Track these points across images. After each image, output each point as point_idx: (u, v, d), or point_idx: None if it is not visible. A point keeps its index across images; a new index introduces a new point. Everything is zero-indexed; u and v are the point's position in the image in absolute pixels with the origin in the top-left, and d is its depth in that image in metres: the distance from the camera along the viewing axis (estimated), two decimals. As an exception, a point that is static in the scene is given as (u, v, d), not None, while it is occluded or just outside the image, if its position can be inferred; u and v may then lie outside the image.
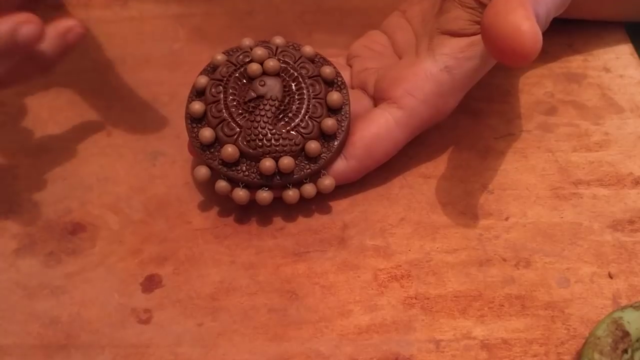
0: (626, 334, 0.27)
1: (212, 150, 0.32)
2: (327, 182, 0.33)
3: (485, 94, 0.38)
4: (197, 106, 0.33)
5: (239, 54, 0.33)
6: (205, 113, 0.33)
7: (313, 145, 0.32)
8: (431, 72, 0.32)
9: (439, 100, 0.33)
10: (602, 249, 0.32)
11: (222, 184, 0.32)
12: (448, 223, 0.33)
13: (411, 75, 0.33)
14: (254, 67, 0.32)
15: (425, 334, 0.29)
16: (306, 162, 0.32)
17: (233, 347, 0.29)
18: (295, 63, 0.33)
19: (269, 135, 0.32)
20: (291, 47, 0.34)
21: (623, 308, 0.28)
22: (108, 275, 0.31)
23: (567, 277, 0.31)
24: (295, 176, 0.32)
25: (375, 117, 0.33)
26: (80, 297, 0.31)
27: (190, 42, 0.43)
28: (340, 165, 0.33)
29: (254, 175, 0.32)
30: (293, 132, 0.32)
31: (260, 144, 0.32)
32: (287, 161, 0.32)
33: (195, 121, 0.33)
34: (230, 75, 0.33)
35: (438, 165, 0.36)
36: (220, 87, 0.33)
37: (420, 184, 0.35)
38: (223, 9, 0.45)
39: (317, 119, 0.33)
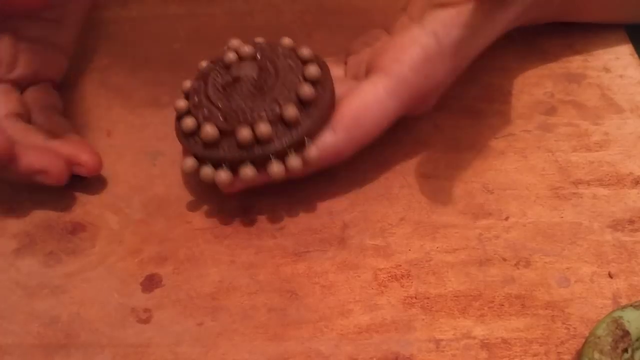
0: (626, 333, 0.27)
1: (195, 137, 0.32)
2: (312, 152, 0.32)
3: (485, 94, 0.38)
4: (182, 103, 0.33)
5: (220, 53, 0.34)
6: (188, 107, 0.33)
7: (290, 109, 0.31)
8: (417, 37, 0.32)
9: (426, 66, 0.32)
10: (602, 249, 0.32)
11: (206, 170, 0.32)
12: (448, 223, 0.33)
13: (398, 43, 0.33)
14: (230, 55, 0.33)
15: (425, 334, 0.29)
16: (285, 129, 0.31)
17: (233, 346, 0.29)
18: (273, 50, 0.33)
19: (246, 109, 0.32)
20: (290, 49, 0.34)
21: (623, 307, 0.28)
22: (108, 275, 0.31)
23: (567, 277, 0.31)
24: (276, 144, 0.31)
25: (363, 87, 0.32)
26: (80, 296, 0.31)
27: (190, 43, 0.43)
28: (329, 137, 0.32)
29: (234, 149, 0.31)
30: (269, 101, 0.32)
31: (238, 118, 0.31)
32: (263, 127, 0.31)
33: (181, 117, 0.33)
34: (210, 70, 0.33)
35: (438, 165, 0.35)
36: (201, 81, 0.33)
37: (420, 184, 0.35)
38: (223, 9, 0.45)
39: (293, 88, 0.32)
